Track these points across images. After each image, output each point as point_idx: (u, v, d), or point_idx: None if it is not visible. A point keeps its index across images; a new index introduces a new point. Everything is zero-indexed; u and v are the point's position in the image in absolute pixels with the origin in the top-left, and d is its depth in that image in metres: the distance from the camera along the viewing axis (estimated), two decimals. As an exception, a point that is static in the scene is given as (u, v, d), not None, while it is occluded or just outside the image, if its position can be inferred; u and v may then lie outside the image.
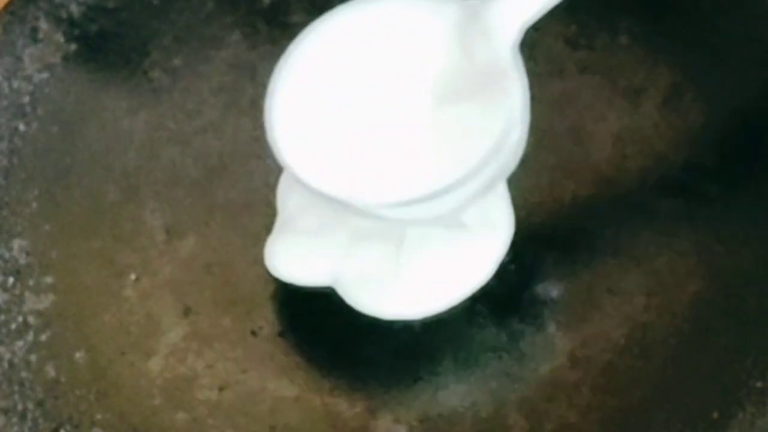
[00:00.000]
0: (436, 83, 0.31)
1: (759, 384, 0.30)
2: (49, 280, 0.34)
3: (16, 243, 0.34)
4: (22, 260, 0.34)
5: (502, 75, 0.30)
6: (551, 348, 0.32)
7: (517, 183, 0.32)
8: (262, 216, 0.35)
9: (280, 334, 0.33)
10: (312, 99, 0.31)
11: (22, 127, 0.36)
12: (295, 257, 0.33)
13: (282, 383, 0.32)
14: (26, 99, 0.36)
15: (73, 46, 0.37)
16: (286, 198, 0.34)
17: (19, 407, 0.32)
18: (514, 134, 0.30)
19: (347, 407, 0.32)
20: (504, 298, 0.33)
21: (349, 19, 0.32)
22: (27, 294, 0.34)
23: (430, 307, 0.32)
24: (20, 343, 0.33)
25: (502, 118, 0.29)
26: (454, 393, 0.32)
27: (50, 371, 0.32)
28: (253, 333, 0.33)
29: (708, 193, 0.34)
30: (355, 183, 0.30)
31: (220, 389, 0.32)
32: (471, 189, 0.30)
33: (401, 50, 0.32)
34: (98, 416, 0.32)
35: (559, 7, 0.31)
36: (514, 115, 0.29)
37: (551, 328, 0.32)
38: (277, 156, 0.30)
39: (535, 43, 0.33)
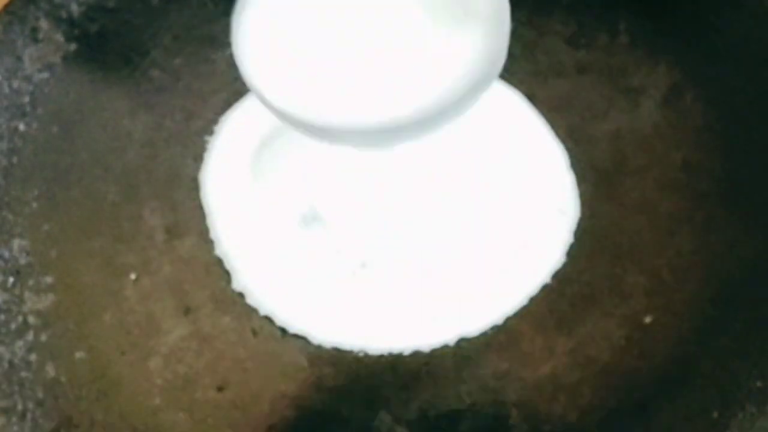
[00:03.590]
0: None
1: (759, 384, 0.30)
2: (49, 280, 0.34)
3: (16, 243, 0.34)
4: (22, 260, 0.34)
5: None
6: (551, 348, 0.32)
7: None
8: (262, 216, 0.35)
9: (280, 334, 0.33)
10: (284, 19, 0.30)
11: (22, 127, 0.36)
12: None
13: (282, 383, 0.32)
14: (26, 99, 0.36)
15: (73, 46, 0.37)
16: None
17: (19, 407, 0.32)
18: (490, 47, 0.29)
19: (347, 407, 0.32)
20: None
21: None
22: (27, 294, 0.34)
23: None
24: (20, 343, 0.33)
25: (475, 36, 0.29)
26: (454, 393, 0.32)
27: (50, 371, 0.32)
28: (254, 333, 0.33)
29: (708, 193, 0.34)
30: (327, 104, 0.29)
31: (220, 389, 0.32)
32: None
33: None
34: (98, 416, 0.32)
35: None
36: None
37: (551, 328, 0.32)
38: (246, 80, 0.29)
39: (535, 43, 0.33)
